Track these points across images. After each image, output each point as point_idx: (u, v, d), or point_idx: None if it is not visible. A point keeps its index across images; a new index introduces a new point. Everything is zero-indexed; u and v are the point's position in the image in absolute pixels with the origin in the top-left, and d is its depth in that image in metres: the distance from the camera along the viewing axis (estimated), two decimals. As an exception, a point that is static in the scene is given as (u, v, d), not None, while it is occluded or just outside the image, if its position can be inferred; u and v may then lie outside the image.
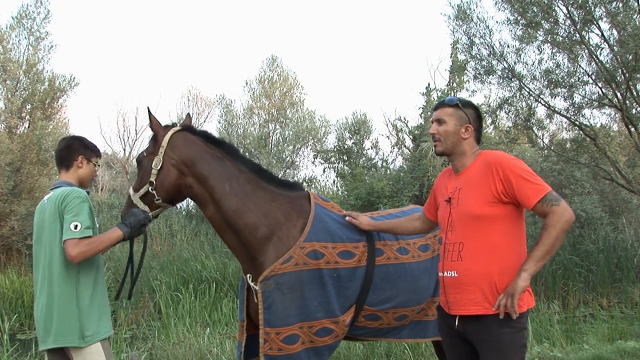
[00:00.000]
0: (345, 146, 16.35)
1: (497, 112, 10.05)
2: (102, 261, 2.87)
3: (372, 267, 2.95)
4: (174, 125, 2.93)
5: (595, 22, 7.86)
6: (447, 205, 2.42)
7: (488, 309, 2.23)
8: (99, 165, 2.94)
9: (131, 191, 2.89)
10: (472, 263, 2.26)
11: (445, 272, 2.36)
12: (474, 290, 2.25)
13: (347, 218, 2.98)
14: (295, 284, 2.75)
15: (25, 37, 12.29)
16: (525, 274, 2.15)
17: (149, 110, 2.90)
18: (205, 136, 2.94)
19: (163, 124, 2.94)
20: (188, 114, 3.13)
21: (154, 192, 2.79)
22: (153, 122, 2.90)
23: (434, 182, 2.69)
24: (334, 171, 16.45)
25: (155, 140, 2.87)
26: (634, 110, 8.19)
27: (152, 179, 2.79)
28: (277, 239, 2.84)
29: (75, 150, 2.85)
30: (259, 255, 2.84)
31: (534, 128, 9.99)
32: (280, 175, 16.88)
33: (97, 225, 2.83)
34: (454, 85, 13.17)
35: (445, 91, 13.05)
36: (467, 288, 2.27)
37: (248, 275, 2.86)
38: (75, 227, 2.58)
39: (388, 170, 14.70)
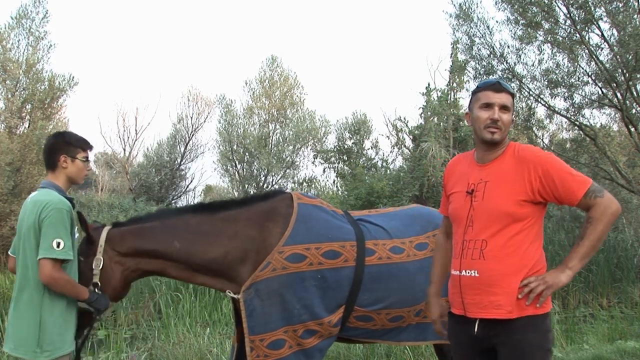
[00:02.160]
0: (345, 146, 16.34)
1: (497, 112, 10.03)
2: None
3: (361, 268, 2.91)
4: (103, 225, 2.84)
5: (595, 22, 7.85)
6: (468, 198, 2.20)
7: (511, 312, 2.06)
8: (87, 160, 2.70)
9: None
10: (496, 263, 2.09)
11: (464, 271, 2.16)
12: (497, 292, 2.08)
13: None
14: (274, 289, 2.76)
15: (24, 37, 12.32)
16: (570, 272, 2.05)
17: (80, 215, 2.72)
18: (134, 219, 2.95)
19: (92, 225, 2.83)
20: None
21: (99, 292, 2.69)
22: (85, 224, 2.76)
23: (445, 172, 2.45)
24: (334, 171, 16.43)
25: (90, 242, 2.76)
26: (634, 110, 8.17)
27: (96, 279, 2.69)
28: (255, 252, 2.84)
29: (56, 150, 2.63)
30: (236, 275, 2.85)
31: (534, 128, 9.97)
32: (280, 175, 17.01)
33: (77, 235, 2.68)
34: (454, 85, 13.15)
35: (445, 91, 13.02)
36: (490, 290, 2.09)
37: (227, 291, 2.86)
38: (58, 245, 2.43)
39: (388, 170, 14.67)
